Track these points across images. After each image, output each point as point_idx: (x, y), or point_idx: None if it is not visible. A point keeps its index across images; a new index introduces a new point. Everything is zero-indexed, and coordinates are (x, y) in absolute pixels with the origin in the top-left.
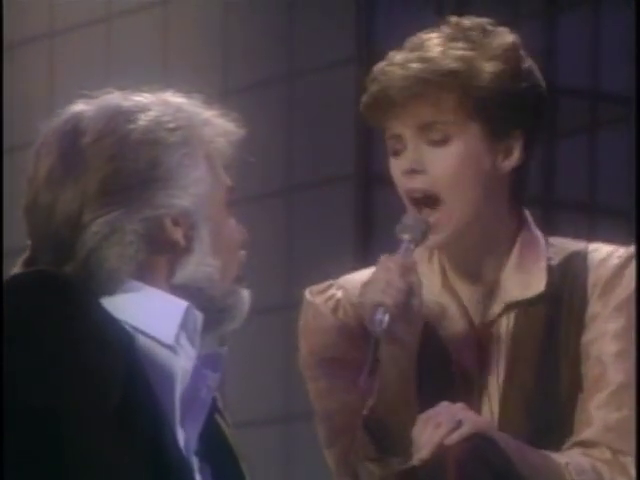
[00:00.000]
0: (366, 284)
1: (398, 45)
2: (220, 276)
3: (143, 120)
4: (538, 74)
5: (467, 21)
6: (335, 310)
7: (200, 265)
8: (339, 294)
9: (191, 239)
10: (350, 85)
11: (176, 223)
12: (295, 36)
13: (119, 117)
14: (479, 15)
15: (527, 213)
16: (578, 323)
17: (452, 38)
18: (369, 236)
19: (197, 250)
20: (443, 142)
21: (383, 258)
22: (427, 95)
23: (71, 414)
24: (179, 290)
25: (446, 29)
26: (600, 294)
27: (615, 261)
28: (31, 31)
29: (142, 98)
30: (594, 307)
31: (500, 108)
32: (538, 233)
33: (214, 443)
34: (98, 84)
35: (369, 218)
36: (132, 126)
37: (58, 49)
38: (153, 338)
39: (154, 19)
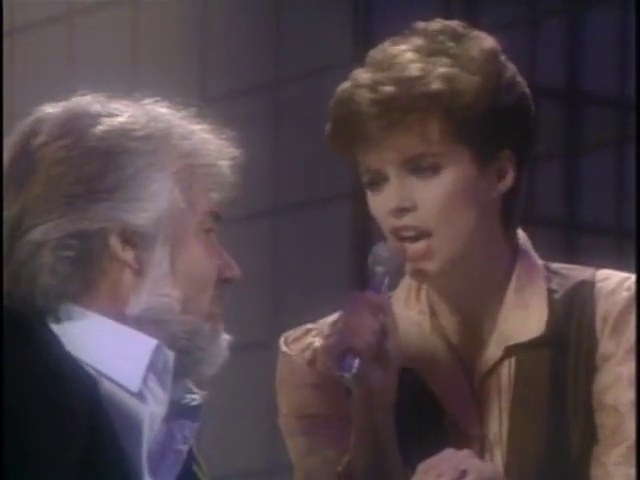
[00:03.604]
0: (334, 324)
1: None
2: (182, 310)
3: (106, 125)
4: (521, 81)
5: (436, 26)
6: (312, 362)
7: (155, 294)
8: (317, 342)
9: (144, 262)
10: None
11: (126, 242)
12: (283, 37)
13: (81, 120)
14: (493, 13)
15: (524, 236)
16: (588, 365)
17: (429, 52)
18: (367, 265)
19: (151, 276)
20: (432, 172)
21: (353, 295)
22: (409, 125)
23: (30, 467)
24: (134, 322)
25: (416, 39)
26: (611, 331)
27: (624, 294)
28: None
29: (118, 104)
30: (605, 346)
31: (486, 127)
32: (538, 260)
33: None
34: (58, 89)
35: (368, 243)
36: (90, 130)
37: (14, 49)
38: (117, 383)
39: (122, 18)
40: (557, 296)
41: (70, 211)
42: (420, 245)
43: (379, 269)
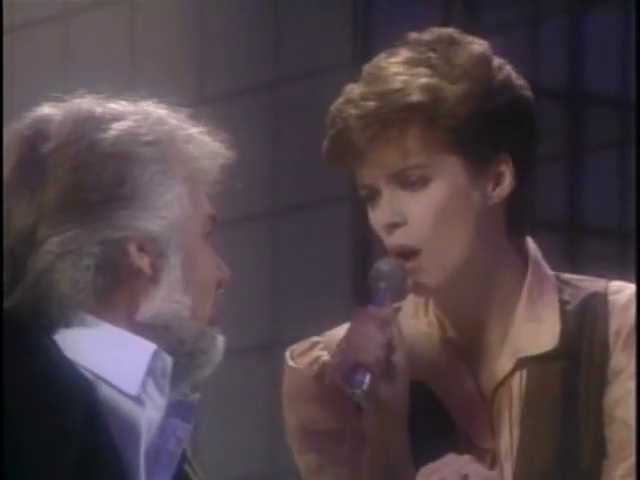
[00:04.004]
0: (340, 342)
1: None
2: (190, 315)
3: (115, 130)
4: (518, 84)
5: (428, 36)
6: (319, 376)
7: (167, 300)
8: (324, 356)
9: (159, 269)
10: None
11: (142, 249)
12: (283, 37)
13: (89, 124)
14: (494, 14)
15: (534, 247)
16: (600, 378)
17: (412, 64)
18: (368, 267)
19: (165, 282)
20: (421, 184)
21: (357, 311)
22: (390, 139)
23: (28, 470)
24: (143, 328)
25: (405, 51)
26: (624, 345)
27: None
28: None
29: (118, 105)
30: (618, 360)
31: (476, 133)
32: (548, 271)
33: None
34: (55, 89)
35: (368, 246)
36: (102, 135)
37: (12, 48)
38: (116, 387)
39: (119, 16)
40: (569, 308)
41: (90, 220)
42: (410, 263)
43: (381, 285)
